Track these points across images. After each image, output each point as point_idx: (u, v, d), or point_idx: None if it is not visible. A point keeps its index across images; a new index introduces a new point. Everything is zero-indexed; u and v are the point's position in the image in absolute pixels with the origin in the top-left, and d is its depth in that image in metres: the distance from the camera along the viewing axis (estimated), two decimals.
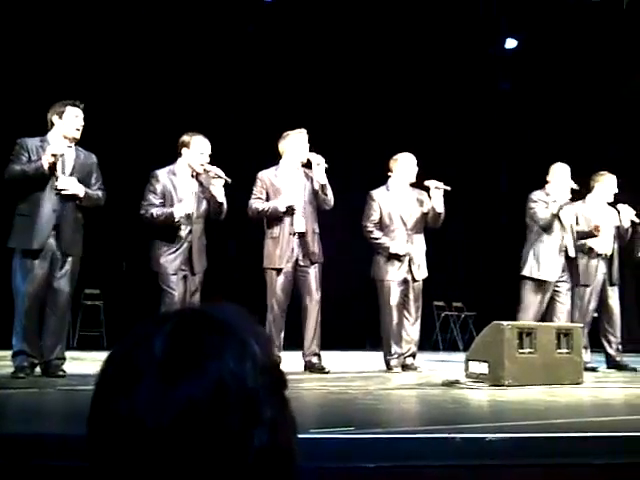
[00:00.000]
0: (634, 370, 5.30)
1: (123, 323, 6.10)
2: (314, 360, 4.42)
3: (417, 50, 8.17)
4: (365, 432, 1.83)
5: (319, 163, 4.50)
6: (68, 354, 3.90)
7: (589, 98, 8.63)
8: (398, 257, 4.71)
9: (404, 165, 4.86)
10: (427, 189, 4.83)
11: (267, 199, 4.53)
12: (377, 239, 4.77)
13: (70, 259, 3.75)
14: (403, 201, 4.84)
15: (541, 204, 5.22)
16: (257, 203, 4.52)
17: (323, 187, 4.50)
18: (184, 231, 4.16)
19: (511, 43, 9.02)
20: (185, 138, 4.28)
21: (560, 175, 5.26)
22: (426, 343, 8.29)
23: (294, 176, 4.58)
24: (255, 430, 0.55)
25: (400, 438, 1.81)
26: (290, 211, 4.44)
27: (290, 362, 4.38)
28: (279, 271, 4.44)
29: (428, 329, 8.62)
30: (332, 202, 4.58)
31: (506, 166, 8.72)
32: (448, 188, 4.76)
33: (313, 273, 4.49)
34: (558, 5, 8.00)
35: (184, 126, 4.60)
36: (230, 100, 7.54)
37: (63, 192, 3.69)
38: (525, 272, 5.19)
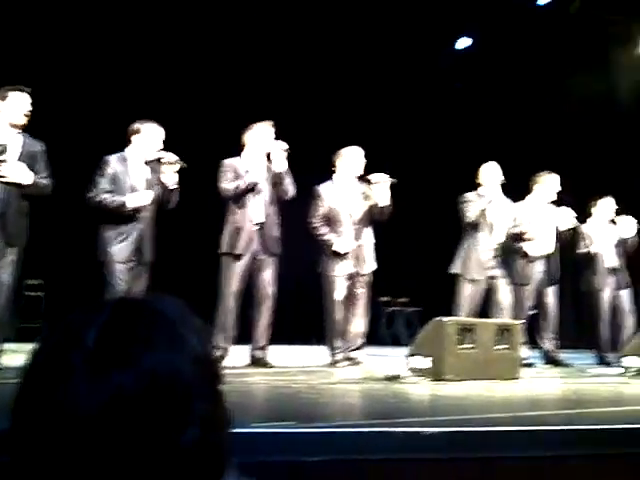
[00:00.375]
0: (569, 366, 5.51)
1: (65, 315, 5.94)
2: (259, 354, 4.42)
3: (372, 48, 8.23)
4: (306, 426, 1.85)
5: (283, 148, 4.48)
6: (6, 346, 3.79)
7: (537, 99, 8.88)
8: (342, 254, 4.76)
9: (349, 159, 4.89)
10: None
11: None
12: (323, 235, 4.80)
13: (13, 249, 3.65)
14: (349, 195, 4.87)
15: (471, 204, 5.36)
16: (227, 184, 4.48)
17: (282, 175, 4.49)
18: (134, 219, 4.09)
19: (464, 42, 9.14)
20: (136, 125, 4.22)
21: (490, 175, 5.41)
22: (371, 338, 8.38)
23: (258, 167, 4.56)
24: (187, 425, 0.55)
25: (340, 432, 1.83)
26: (253, 189, 4.43)
27: (235, 355, 4.39)
28: (237, 258, 4.40)
29: (373, 324, 8.72)
30: (291, 191, 4.57)
31: (455, 163, 8.88)
32: (394, 180, 4.81)
33: (270, 266, 4.48)
34: (508, 8, 8.19)
35: (132, 114, 4.51)
36: (190, 88, 7.44)
37: (5, 180, 3.58)
38: (455, 270, 5.34)
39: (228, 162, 4.56)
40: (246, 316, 4.52)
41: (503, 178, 5.43)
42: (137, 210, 4.09)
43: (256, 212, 4.46)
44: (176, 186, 4.20)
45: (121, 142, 4.25)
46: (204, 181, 4.72)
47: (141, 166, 4.21)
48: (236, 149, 4.66)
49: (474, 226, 5.35)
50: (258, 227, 4.45)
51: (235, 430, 1.87)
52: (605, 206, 6.13)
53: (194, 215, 6.95)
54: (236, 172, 4.50)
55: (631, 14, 8.64)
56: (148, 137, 4.19)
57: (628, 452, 2.18)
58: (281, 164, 4.48)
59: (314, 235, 4.85)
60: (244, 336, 4.51)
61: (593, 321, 6.08)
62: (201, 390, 0.57)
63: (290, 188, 4.55)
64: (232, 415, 0.61)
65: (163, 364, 0.56)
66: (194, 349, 0.58)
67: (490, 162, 5.52)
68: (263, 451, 1.80)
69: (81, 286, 6.14)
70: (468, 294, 5.30)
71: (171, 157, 4.16)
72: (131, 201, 4.07)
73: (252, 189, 4.43)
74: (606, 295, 6.03)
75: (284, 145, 4.49)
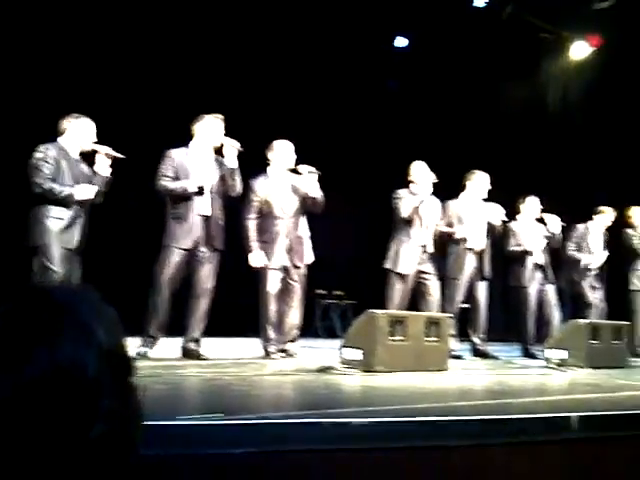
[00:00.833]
0: (496, 358, 5.69)
1: None
2: (192, 346, 4.36)
3: (308, 44, 8.22)
4: (233, 418, 1.84)
5: (234, 146, 4.43)
6: None
7: (471, 100, 9.09)
8: (274, 242, 4.75)
9: (280, 152, 4.89)
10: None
11: (176, 178, 4.39)
12: (250, 234, 4.78)
13: None
14: (282, 188, 4.87)
15: (405, 200, 5.46)
16: (165, 181, 4.37)
17: (232, 172, 4.44)
18: (77, 206, 4.02)
19: (401, 42, 9.24)
20: (67, 118, 4.16)
21: (420, 173, 5.53)
22: (306, 330, 8.42)
23: (205, 159, 4.47)
24: (94, 419, 0.53)
25: (267, 424, 1.83)
26: (199, 192, 4.34)
27: (167, 347, 4.32)
28: (179, 250, 4.31)
29: (309, 316, 8.75)
30: (239, 189, 4.53)
31: (389, 160, 9.00)
32: (319, 173, 4.83)
33: (211, 261, 4.40)
34: (444, 10, 8.34)
35: (69, 104, 4.40)
36: (132, 79, 7.23)
37: None
38: (387, 265, 5.44)
39: (173, 155, 4.44)
40: (180, 307, 4.44)
41: (435, 176, 5.53)
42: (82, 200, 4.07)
43: (202, 205, 4.38)
44: (109, 177, 4.16)
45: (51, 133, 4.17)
46: (146, 170, 4.60)
47: (77, 157, 4.17)
48: (178, 139, 4.57)
49: (407, 222, 5.44)
50: (203, 220, 4.38)
51: (163, 423, 1.83)
52: (531, 205, 6.37)
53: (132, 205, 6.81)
54: (179, 168, 4.40)
55: (560, 22, 8.97)
56: (79, 130, 4.13)
57: (549, 439, 2.26)
58: (233, 161, 4.45)
59: (244, 230, 4.82)
60: (177, 328, 4.43)
61: (520, 315, 6.30)
62: (110, 385, 0.55)
63: (238, 186, 4.52)
64: (143, 409, 0.59)
65: (66, 358, 0.53)
66: (102, 342, 0.56)
67: (419, 161, 5.62)
68: (191, 443, 1.77)
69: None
70: (399, 288, 5.39)
71: (105, 149, 4.12)
72: (79, 194, 4.02)
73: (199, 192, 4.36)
74: (533, 290, 6.26)
75: (237, 144, 4.46)
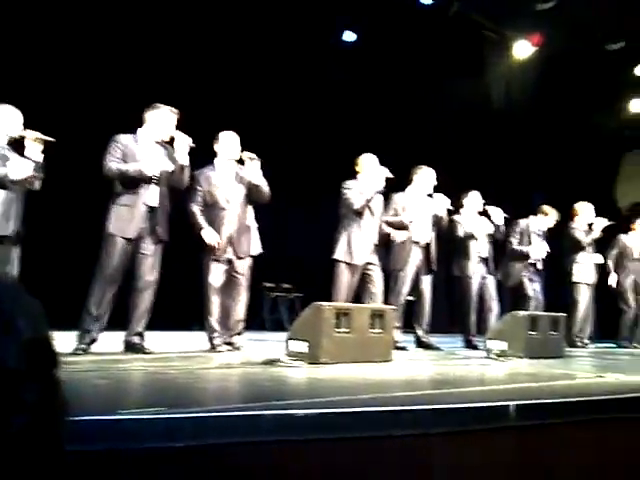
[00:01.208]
0: (439, 349, 5.81)
1: None
2: (136, 340, 4.28)
3: (258, 40, 8.17)
4: (175, 412, 1.82)
5: (186, 142, 4.35)
6: None
7: (418, 95, 9.21)
8: (218, 232, 4.72)
9: (225, 143, 4.86)
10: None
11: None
12: (197, 219, 4.74)
13: None
14: (227, 179, 4.84)
15: (355, 191, 5.52)
16: (116, 163, 4.23)
17: (182, 167, 4.37)
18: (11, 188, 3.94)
19: (349, 36, 9.28)
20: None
21: (369, 165, 5.59)
22: (254, 323, 8.39)
23: (154, 149, 4.36)
24: (14, 414, 0.51)
25: (209, 417, 1.81)
26: (151, 179, 4.24)
27: (109, 341, 4.23)
28: (123, 240, 4.19)
29: (256, 309, 8.73)
30: (186, 183, 4.48)
31: (336, 153, 9.04)
32: (259, 159, 4.82)
33: (155, 253, 4.31)
34: (392, 5, 8.41)
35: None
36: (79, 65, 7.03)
37: None
38: (337, 256, 5.46)
39: (121, 140, 4.32)
40: (124, 300, 4.34)
41: (388, 171, 5.59)
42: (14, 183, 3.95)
43: (150, 195, 4.28)
44: (41, 162, 4.07)
45: None
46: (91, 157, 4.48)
47: (3, 144, 4.08)
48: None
49: (358, 213, 5.49)
50: (149, 210, 4.28)
51: (103, 417, 1.80)
52: (474, 199, 6.53)
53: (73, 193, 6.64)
54: (127, 153, 4.27)
55: (503, 22, 9.18)
56: (3, 118, 4.07)
57: (490, 427, 2.33)
58: (184, 157, 4.37)
59: (190, 220, 4.77)
60: (120, 321, 4.34)
61: (463, 306, 6.45)
62: (32, 377, 0.53)
63: (186, 180, 4.46)
64: (68, 402, 0.57)
65: None
66: (23, 333, 0.54)
67: (368, 153, 5.67)
68: (133, 437, 1.75)
69: None
70: (347, 279, 5.43)
71: (33, 134, 4.04)
72: (14, 172, 3.92)
73: (148, 180, 4.26)
74: (476, 281, 6.42)
75: (188, 139, 4.38)
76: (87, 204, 5.49)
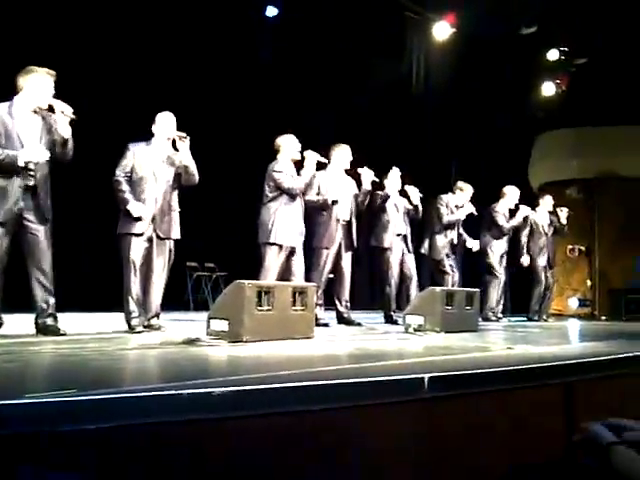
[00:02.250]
0: (360, 325, 5.92)
1: None
2: (49, 322, 4.12)
3: (183, 18, 7.96)
4: (87, 394, 1.77)
5: (65, 112, 4.09)
6: None
7: (341, 73, 9.23)
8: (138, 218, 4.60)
9: (161, 123, 4.78)
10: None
11: None
12: (122, 192, 4.60)
13: None
14: (156, 157, 4.73)
15: (285, 175, 5.52)
16: None
17: (65, 141, 4.11)
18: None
19: (272, 11, 9.17)
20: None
21: (289, 146, 5.60)
22: (177, 303, 8.28)
23: (31, 122, 4.07)
24: None
25: (122, 398, 1.77)
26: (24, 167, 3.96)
27: (18, 324, 4.06)
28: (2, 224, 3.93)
29: (180, 289, 8.61)
30: (70, 157, 4.22)
31: (259, 132, 8.98)
32: (188, 137, 4.72)
33: (43, 232, 4.09)
34: None
35: None
36: None
37: None
38: (268, 239, 5.44)
39: None
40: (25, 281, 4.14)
41: (318, 155, 5.62)
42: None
43: (25, 175, 4.00)
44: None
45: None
46: None
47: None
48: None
49: (291, 196, 5.50)
50: (25, 190, 3.99)
51: (9, 402, 1.72)
52: (395, 176, 6.66)
53: None
54: (2, 129, 3.94)
55: (424, 2, 9.31)
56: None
57: (406, 400, 2.39)
58: (65, 129, 4.08)
59: (115, 190, 4.62)
60: (28, 303, 4.16)
61: (382, 281, 6.59)
62: None
63: (70, 154, 4.19)
64: None
65: None
66: None
67: (286, 135, 5.66)
68: (43, 421, 1.69)
69: None
70: (276, 260, 5.43)
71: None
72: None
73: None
74: (396, 257, 6.57)
75: (69, 109, 4.08)
76: None
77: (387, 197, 6.47)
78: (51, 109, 4.12)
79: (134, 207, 4.56)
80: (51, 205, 4.15)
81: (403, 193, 6.73)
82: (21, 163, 3.92)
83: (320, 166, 5.79)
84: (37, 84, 4.04)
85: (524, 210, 7.62)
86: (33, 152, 3.96)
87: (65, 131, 4.09)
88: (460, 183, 7.33)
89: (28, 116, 4.06)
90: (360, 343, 4.41)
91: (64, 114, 4.08)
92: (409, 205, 6.70)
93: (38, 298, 4.07)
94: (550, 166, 11.35)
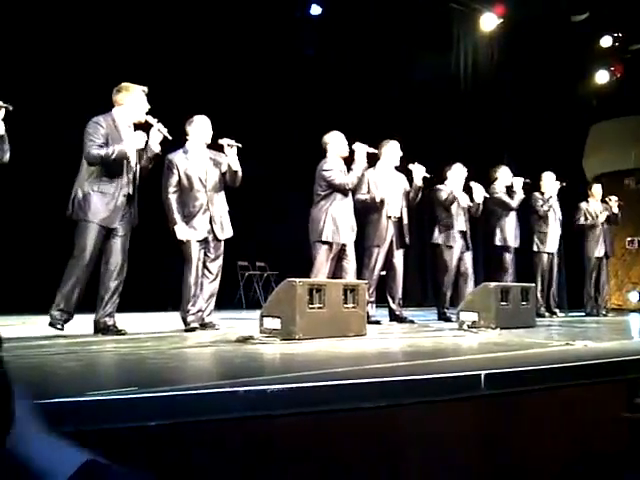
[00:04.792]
0: (412, 322, 5.87)
1: None
2: (109, 322, 4.24)
3: (224, 13, 8.04)
4: (147, 391, 1.80)
5: (162, 130, 4.30)
6: None
7: (385, 68, 9.16)
8: (195, 215, 4.67)
9: (198, 127, 4.81)
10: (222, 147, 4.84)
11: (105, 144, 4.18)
12: (172, 212, 4.70)
13: None
14: (201, 163, 4.79)
15: (337, 172, 5.50)
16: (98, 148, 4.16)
17: (156, 156, 4.34)
18: None
19: (316, 9, 9.21)
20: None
21: (335, 143, 5.56)
22: (229, 302, 8.39)
23: (129, 132, 4.28)
24: None
25: (180, 395, 1.80)
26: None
27: (80, 323, 4.19)
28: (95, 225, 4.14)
29: (232, 288, 8.72)
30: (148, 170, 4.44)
31: (305, 130, 9.00)
32: (239, 145, 4.79)
33: (125, 235, 4.26)
34: None
35: None
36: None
37: None
38: (321, 237, 5.42)
39: (100, 121, 4.24)
40: (93, 283, 4.29)
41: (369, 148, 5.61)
42: None
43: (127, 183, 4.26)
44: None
45: None
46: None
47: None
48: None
49: (343, 192, 5.49)
50: (127, 198, 4.25)
51: (73, 399, 1.77)
52: (458, 171, 6.58)
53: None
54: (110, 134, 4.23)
55: None
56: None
57: (462, 397, 2.36)
58: (157, 145, 4.32)
59: (167, 206, 4.73)
60: (90, 304, 4.30)
61: (438, 278, 6.52)
62: None
63: (149, 167, 4.43)
64: (12, 386, 0.55)
65: None
66: None
67: (334, 131, 5.64)
68: (103, 419, 1.73)
69: None
70: (328, 258, 5.43)
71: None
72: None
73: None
74: (455, 255, 6.49)
75: (163, 128, 4.35)
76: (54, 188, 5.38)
77: (454, 199, 6.41)
78: (143, 124, 4.33)
79: (180, 231, 4.68)
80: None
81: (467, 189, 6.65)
82: (130, 152, 4.18)
83: (370, 157, 5.74)
84: (135, 100, 4.28)
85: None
86: (135, 140, 4.22)
87: (157, 147, 4.34)
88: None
89: (126, 130, 4.27)
90: (413, 340, 4.36)
91: (159, 131, 4.32)
92: (470, 202, 6.61)
93: (103, 298, 4.22)
94: (606, 156, 10.98)
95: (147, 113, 4.32)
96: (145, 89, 4.34)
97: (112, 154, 4.10)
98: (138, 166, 4.34)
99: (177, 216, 4.69)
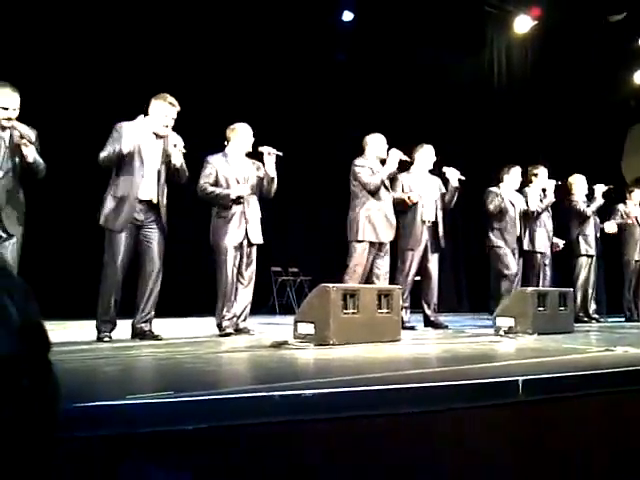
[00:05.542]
0: (447, 328, 5.82)
1: None
2: (144, 327, 4.31)
3: (257, 21, 8.11)
4: (184, 395, 1.83)
5: (178, 147, 4.35)
6: None
7: (418, 72, 9.13)
8: (238, 201, 4.75)
9: (240, 135, 4.86)
10: (261, 155, 4.88)
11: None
12: (213, 192, 4.73)
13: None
14: (239, 167, 4.84)
15: (367, 170, 5.50)
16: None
17: (182, 165, 4.37)
18: None
19: (348, 16, 9.24)
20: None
21: (377, 144, 5.56)
22: (263, 307, 8.43)
23: (154, 143, 4.36)
24: (7, 400, 0.50)
25: (216, 399, 1.82)
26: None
27: (118, 328, 4.26)
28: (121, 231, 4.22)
29: (265, 294, 8.76)
30: (184, 180, 4.49)
31: (343, 135, 9.01)
32: (280, 154, 4.83)
33: (159, 241, 4.33)
34: None
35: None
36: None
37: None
38: (353, 236, 5.42)
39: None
40: (130, 289, 4.37)
41: (400, 153, 5.59)
42: None
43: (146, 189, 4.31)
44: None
45: None
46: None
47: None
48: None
49: (374, 193, 5.48)
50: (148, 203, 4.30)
51: (111, 403, 1.80)
52: (515, 175, 6.53)
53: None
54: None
55: None
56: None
57: (499, 403, 2.33)
58: (178, 158, 4.36)
59: (204, 197, 4.77)
60: (128, 309, 4.37)
61: (496, 281, 6.42)
62: (25, 362, 0.52)
63: (184, 179, 4.50)
64: (59, 387, 0.56)
65: None
66: (13, 317, 0.52)
67: (374, 134, 5.65)
68: (141, 422, 1.76)
69: None
70: (365, 259, 5.42)
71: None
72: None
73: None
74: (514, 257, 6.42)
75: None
76: (84, 196, 5.50)
77: (501, 207, 6.36)
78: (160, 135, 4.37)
79: (235, 190, 4.72)
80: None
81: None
82: (125, 150, 4.22)
83: (403, 165, 5.73)
84: (161, 110, 4.32)
85: (598, 188, 7.16)
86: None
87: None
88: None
89: (150, 138, 4.33)
90: (449, 346, 4.32)
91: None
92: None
93: (140, 303, 4.28)
94: None
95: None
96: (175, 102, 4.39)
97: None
98: (163, 175, 4.36)
99: (219, 189, 4.72)
